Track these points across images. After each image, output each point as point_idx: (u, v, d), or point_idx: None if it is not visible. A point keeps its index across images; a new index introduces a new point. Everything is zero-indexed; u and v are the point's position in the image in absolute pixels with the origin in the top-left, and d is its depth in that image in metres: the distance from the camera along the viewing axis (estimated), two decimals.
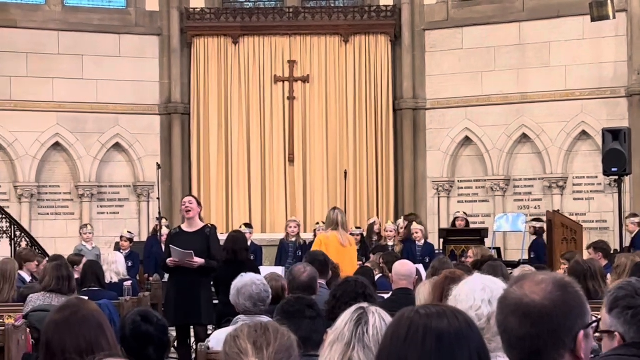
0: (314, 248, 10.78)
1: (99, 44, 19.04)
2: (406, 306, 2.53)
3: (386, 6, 19.64)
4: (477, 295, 3.78)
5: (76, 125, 18.95)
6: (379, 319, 3.16)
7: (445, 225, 18.19)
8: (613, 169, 15.33)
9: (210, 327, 10.43)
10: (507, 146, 18.81)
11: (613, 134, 15.45)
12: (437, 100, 19.41)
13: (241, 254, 10.52)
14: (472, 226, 17.30)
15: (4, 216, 16.53)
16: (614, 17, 16.67)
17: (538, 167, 18.70)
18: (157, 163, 17.12)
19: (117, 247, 15.97)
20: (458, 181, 19.41)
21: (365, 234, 16.15)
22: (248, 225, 16.27)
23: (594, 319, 2.65)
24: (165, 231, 14.75)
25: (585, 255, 12.24)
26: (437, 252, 15.47)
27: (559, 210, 17.08)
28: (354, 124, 19.55)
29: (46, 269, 8.72)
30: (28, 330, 7.64)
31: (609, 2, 16.42)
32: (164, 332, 4.82)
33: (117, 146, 19.35)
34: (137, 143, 19.33)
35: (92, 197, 19.02)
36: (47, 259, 12.64)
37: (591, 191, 18.28)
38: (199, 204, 10.67)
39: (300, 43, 19.73)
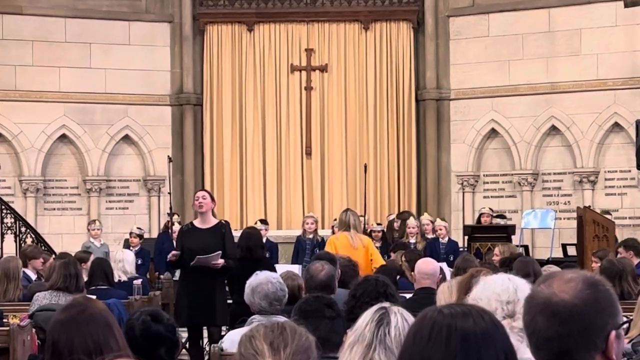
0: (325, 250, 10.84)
1: (108, 31, 19.08)
2: (429, 306, 2.53)
3: None
4: (496, 296, 3.77)
5: (84, 116, 19.01)
6: (401, 320, 3.16)
7: (469, 221, 18.17)
8: None
9: (223, 327, 10.45)
10: (535, 139, 18.76)
11: None
12: (462, 91, 19.38)
13: (256, 252, 10.54)
14: (497, 222, 17.28)
15: (8, 211, 16.58)
16: None
17: (568, 160, 18.64)
18: (168, 156, 17.15)
19: (127, 244, 16.02)
20: (484, 175, 19.37)
21: (385, 230, 16.15)
22: (263, 222, 16.30)
23: (624, 319, 2.64)
24: (176, 227, 14.78)
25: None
26: (461, 249, 15.46)
27: (589, 206, 17.02)
28: (374, 116, 19.53)
29: (53, 267, 8.76)
30: (34, 330, 7.67)
31: None
32: (174, 332, 4.84)
33: (126, 138, 19.40)
34: (147, 135, 19.38)
35: (101, 192, 19.08)
36: (53, 256, 12.72)
37: (624, 186, 18.22)
38: (212, 199, 10.66)
39: (318, 30, 19.73)
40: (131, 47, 19.25)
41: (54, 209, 18.96)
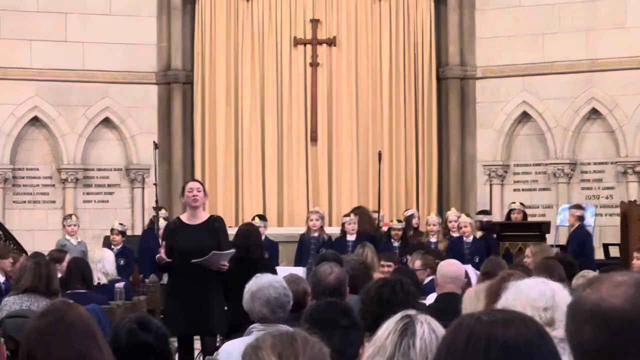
0: None
1: (86, 0, 19.12)
2: (453, 314, 2.53)
3: None
4: (532, 302, 3.78)
5: (58, 96, 19.02)
6: (428, 331, 3.14)
7: (498, 218, 18.17)
8: None
9: (218, 337, 10.47)
10: (573, 124, 18.76)
11: None
12: (490, 68, 19.38)
13: (255, 252, 10.55)
14: (530, 219, 17.28)
15: None
16: None
17: (610, 148, 18.64)
18: (154, 142, 17.14)
19: (107, 242, 16.04)
20: (514, 165, 19.38)
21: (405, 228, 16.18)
22: (262, 218, 16.30)
23: None
24: (162, 224, 14.79)
25: None
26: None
27: (635, 201, 17.02)
28: (390, 96, 19.54)
29: (23, 268, 8.77)
30: (2, 339, 7.69)
31: None
32: (164, 342, 4.86)
33: (106, 122, 19.41)
34: (130, 118, 19.39)
35: (77, 182, 19.10)
36: (24, 255, 12.74)
37: None
38: (204, 191, 10.66)
39: None
40: (112, 18, 19.24)
41: (24, 202, 18.99)
